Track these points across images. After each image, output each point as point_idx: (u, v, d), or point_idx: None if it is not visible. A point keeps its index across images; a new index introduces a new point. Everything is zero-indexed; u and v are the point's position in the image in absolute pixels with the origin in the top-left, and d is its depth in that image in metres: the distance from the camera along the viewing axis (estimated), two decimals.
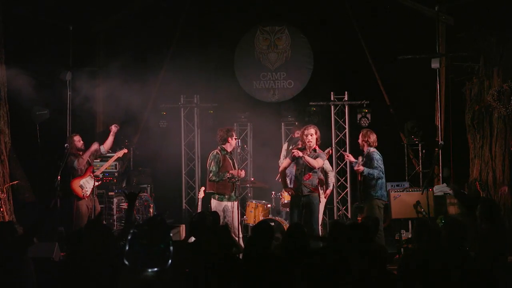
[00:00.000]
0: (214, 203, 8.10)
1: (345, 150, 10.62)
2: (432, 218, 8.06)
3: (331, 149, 9.09)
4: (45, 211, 5.54)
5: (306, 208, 7.65)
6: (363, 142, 8.05)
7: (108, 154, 9.63)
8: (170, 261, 3.38)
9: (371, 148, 8.04)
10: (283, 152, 9.35)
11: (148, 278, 3.34)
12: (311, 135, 7.74)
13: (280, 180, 8.47)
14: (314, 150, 7.78)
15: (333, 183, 9.44)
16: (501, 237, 5.47)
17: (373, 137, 8.07)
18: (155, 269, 3.35)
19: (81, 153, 8.90)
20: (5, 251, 4.99)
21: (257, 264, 4.74)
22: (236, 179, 7.97)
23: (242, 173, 8.11)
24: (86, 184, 8.75)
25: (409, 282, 4.62)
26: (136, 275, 3.37)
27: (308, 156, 7.73)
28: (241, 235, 8.01)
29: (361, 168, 7.94)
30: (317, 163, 7.71)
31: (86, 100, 10.39)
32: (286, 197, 9.05)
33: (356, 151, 8.35)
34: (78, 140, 8.93)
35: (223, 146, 8.13)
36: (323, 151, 8.18)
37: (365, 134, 8.08)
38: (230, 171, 8.01)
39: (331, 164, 9.92)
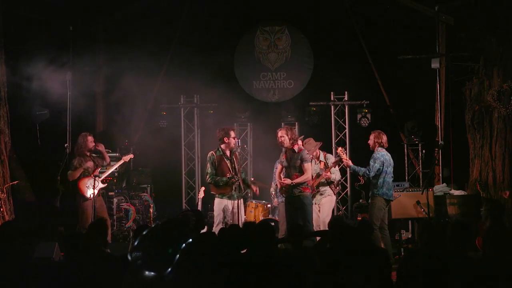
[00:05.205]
0: (216, 201, 8.13)
1: (345, 150, 10.58)
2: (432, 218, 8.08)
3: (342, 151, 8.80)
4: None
5: (298, 209, 7.72)
6: (376, 143, 8.04)
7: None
8: (170, 269, 3.19)
9: (380, 148, 8.05)
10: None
11: (148, 280, 3.20)
12: (282, 137, 7.80)
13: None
14: (293, 150, 7.75)
15: (338, 179, 9.13)
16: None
17: (384, 138, 8.10)
18: (152, 273, 3.19)
19: (89, 154, 8.84)
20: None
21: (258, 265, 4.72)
22: (237, 179, 7.95)
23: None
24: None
25: (409, 283, 4.62)
26: (138, 274, 3.23)
27: (291, 159, 7.74)
28: None
29: (350, 163, 8.07)
30: (306, 176, 7.72)
31: (86, 100, 10.38)
32: None
33: (356, 150, 8.33)
34: (91, 141, 8.86)
35: (220, 146, 8.11)
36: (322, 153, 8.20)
37: (378, 135, 8.08)
38: (228, 175, 7.99)
39: None
